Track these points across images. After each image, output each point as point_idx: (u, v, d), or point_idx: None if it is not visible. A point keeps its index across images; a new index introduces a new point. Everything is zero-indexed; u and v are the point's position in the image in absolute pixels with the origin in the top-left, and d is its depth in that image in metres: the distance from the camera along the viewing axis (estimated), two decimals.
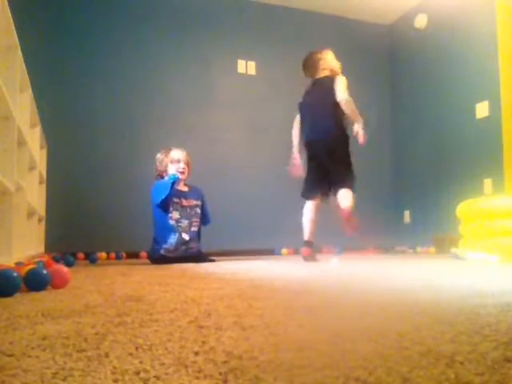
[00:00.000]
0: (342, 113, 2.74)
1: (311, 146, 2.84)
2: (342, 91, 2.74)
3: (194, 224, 2.91)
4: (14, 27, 1.88)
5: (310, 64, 3.00)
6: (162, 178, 2.92)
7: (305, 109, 2.91)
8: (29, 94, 2.47)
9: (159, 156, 2.95)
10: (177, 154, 2.91)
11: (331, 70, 2.94)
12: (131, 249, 3.69)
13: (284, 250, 4.11)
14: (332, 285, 1.37)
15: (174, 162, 2.89)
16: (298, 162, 2.93)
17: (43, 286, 1.17)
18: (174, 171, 2.85)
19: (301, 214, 4.49)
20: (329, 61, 2.97)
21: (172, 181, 2.70)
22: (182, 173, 2.88)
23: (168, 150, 2.95)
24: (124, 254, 3.60)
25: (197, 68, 4.27)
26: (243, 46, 4.45)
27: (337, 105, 2.72)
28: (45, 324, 0.70)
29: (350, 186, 2.68)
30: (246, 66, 4.44)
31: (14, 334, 0.62)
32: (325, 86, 2.83)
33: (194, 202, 2.94)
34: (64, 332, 0.63)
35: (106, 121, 3.94)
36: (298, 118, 2.99)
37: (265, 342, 0.55)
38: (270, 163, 4.39)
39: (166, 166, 2.90)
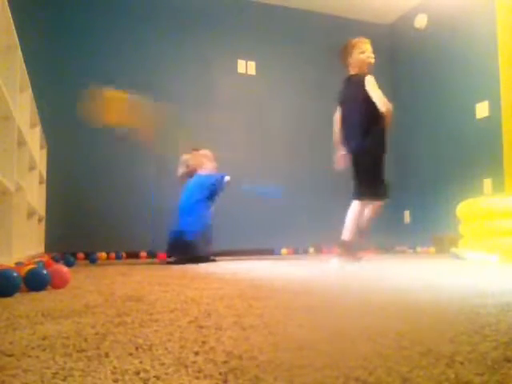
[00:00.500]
0: (374, 114, 2.54)
1: (347, 152, 2.71)
2: (380, 100, 2.53)
3: None
4: (14, 27, 1.88)
5: (343, 56, 2.81)
6: (191, 175, 3.10)
7: (341, 112, 2.76)
8: (29, 94, 2.47)
9: (187, 155, 3.14)
10: (209, 153, 3.17)
11: (360, 67, 2.73)
12: (131, 249, 3.69)
13: (284, 250, 4.11)
14: (332, 285, 1.37)
15: (210, 161, 3.14)
16: (340, 156, 2.73)
17: (43, 286, 1.17)
18: (213, 168, 3.12)
19: (301, 214, 4.50)
20: (356, 55, 2.72)
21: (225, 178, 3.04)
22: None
23: (196, 148, 3.18)
24: (124, 254, 3.60)
25: (197, 68, 4.27)
26: (243, 46, 4.45)
27: (366, 108, 2.55)
28: (45, 324, 0.70)
29: (361, 195, 2.53)
30: (246, 66, 4.44)
31: (14, 334, 0.62)
32: (353, 89, 2.67)
33: None
34: (64, 332, 0.63)
35: None
36: (337, 113, 2.80)
37: (265, 342, 0.55)
38: (269, 163, 4.39)
39: (201, 161, 3.10)
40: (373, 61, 2.80)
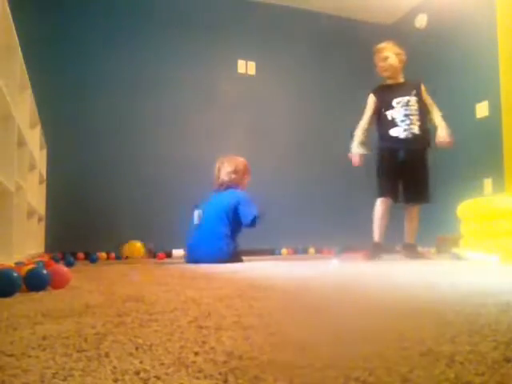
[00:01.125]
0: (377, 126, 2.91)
1: None
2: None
3: None
4: (14, 27, 1.88)
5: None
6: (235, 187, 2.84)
7: None
8: (29, 94, 2.47)
9: (227, 160, 2.89)
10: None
11: (384, 75, 3.06)
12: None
13: (284, 250, 4.11)
14: (332, 285, 1.37)
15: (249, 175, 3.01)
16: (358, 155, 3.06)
17: (43, 286, 1.17)
18: (245, 186, 2.93)
19: (301, 215, 4.48)
20: (377, 63, 3.05)
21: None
22: None
23: (235, 157, 2.94)
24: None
25: (197, 68, 4.27)
26: (243, 45, 4.45)
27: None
28: (45, 324, 0.70)
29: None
30: (246, 66, 4.44)
31: (14, 334, 0.62)
32: None
33: None
34: (64, 332, 0.63)
35: (105, 121, 3.94)
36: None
37: (265, 342, 0.55)
38: (269, 163, 4.38)
39: (245, 174, 2.93)
40: (385, 65, 2.99)
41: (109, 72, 3.99)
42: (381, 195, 2.80)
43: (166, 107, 4.13)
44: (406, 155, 2.81)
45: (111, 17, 4.05)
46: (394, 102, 2.84)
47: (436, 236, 3.88)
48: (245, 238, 4.16)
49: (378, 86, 2.98)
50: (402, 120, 2.79)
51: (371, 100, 2.90)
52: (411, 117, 2.81)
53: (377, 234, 2.77)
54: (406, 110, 2.82)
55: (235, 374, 0.42)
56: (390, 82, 2.97)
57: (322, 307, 0.89)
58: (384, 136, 2.83)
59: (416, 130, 2.79)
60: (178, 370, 0.44)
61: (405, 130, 2.78)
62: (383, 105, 2.85)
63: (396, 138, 2.78)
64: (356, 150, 2.85)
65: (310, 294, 1.12)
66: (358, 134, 2.86)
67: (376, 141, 2.92)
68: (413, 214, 2.89)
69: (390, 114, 2.82)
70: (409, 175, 2.82)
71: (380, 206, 2.78)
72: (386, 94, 2.89)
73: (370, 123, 2.89)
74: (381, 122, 2.85)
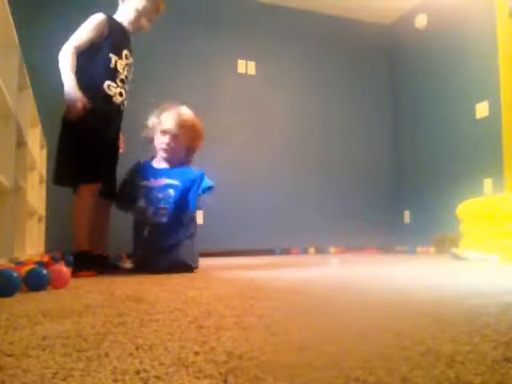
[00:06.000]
0: None
1: None
2: None
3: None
4: (14, 27, 1.88)
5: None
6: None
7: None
8: (29, 93, 2.47)
9: (153, 118, 2.36)
10: (167, 122, 2.25)
11: None
12: (131, 249, 3.68)
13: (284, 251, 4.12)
14: (332, 285, 1.37)
15: (160, 133, 2.24)
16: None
17: (43, 286, 1.17)
18: (158, 145, 2.22)
19: (301, 215, 4.47)
20: None
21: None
22: (165, 150, 2.22)
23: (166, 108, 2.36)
24: (124, 256, 3.58)
25: (196, 68, 4.27)
26: (243, 46, 4.45)
27: None
28: (45, 324, 0.70)
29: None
30: (246, 66, 4.44)
31: (14, 334, 0.62)
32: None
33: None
34: (64, 332, 0.63)
35: None
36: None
37: (265, 342, 0.55)
38: (269, 163, 4.39)
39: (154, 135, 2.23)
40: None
41: None
42: (90, 180, 2.00)
43: None
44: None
45: None
46: (124, 51, 2.30)
47: (434, 236, 3.88)
48: (245, 238, 4.17)
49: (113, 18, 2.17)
50: (124, 78, 2.28)
51: (102, 22, 2.12)
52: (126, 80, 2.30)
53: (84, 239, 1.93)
54: (126, 64, 2.31)
55: (235, 374, 0.42)
56: (129, 26, 2.32)
57: (321, 307, 0.89)
58: (96, 85, 2.06)
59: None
60: (178, 370, 0.44)
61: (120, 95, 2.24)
62: (113, 44, 2.14)
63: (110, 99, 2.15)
64: (78, 93, 1.89)
65: (309, 294, 1.12)
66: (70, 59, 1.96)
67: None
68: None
69: (114, 59, 2.16)
70: None
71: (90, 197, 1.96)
72: (120, 35, 2.25)
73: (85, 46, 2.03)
74: (98, 62, 2.06)
